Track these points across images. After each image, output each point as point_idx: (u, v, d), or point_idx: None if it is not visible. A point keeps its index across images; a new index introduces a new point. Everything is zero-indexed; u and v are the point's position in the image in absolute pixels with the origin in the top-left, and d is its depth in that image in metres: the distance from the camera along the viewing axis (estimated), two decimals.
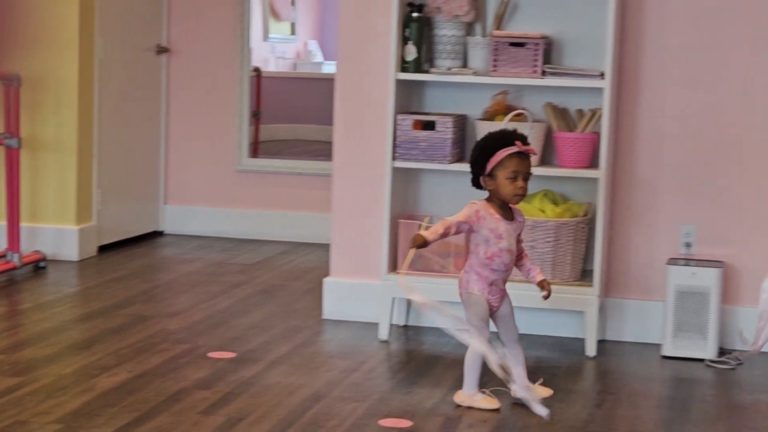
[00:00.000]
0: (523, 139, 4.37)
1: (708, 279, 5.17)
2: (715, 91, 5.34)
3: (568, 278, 5.24)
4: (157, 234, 7.91)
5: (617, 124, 5.40)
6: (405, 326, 5.60)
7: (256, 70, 8.36)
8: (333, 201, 5.69)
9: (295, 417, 4.20)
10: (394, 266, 5.36)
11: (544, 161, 5.37)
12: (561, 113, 5.33)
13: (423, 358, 5.08)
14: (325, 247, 7.00)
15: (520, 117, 5.20)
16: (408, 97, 5.49)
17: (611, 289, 5.47)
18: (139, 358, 4.89)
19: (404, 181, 5.51)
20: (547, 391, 4.51)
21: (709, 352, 5.17)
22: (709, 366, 5.10)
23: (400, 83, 5.31)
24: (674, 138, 5.39)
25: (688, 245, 5.37)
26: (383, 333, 5.33)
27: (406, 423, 4.19)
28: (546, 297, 4.43)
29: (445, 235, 4.38)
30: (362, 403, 4.40)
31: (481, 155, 4.38)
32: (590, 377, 4.90)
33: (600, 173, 5.14)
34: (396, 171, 5.33)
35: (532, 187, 5.36)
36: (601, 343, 5.38)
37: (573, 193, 5.43)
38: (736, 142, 5.35)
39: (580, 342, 5.31)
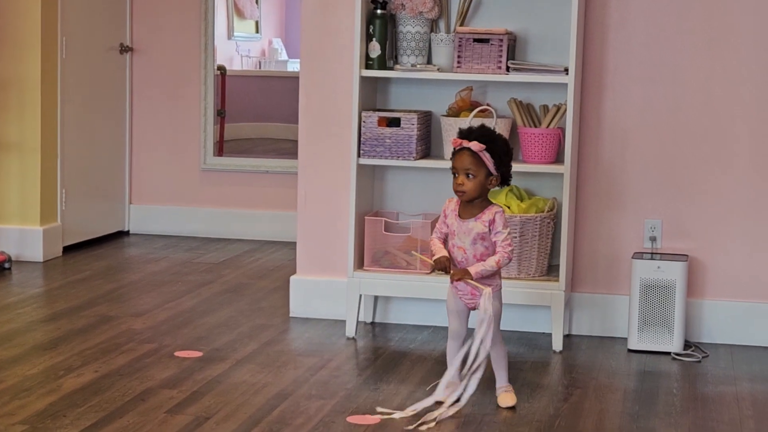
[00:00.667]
0: (470, 135, 4.31)
1: (673, 273, 5.19)
2: (678, 86, 5.36)
3: (534, 273, 5.25)
4: (122, 234, 7.88)
5: (582, 119, 5.41)
6: (372, 323, 5.60)
7: (221, 68, 8.33)
8: (299, 199, 5.68)
9: (262, 415, 4.20)
10: (360, 263, 5.35)
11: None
12: (526, 109, 5.34)
13: (390, 355, 5.08)
14: (292, 245, 7.00)
15: (484, 113, 5.20)
16: (373, 94, 5.49)
17: (577, 284, 5.48)
18: (104, 358, 4.86)
19: (370, 178, 5.51)
20: (512, 399, 4.41)
21: (674, 345, 5.19)
22: (674, 359, 5.13)
23: (364, 80, 5.31)
24: (638, 133, 5.41)
25: (653, 239, 5.39)
26: (350, 330, 5.33)
27: (373, 420, 4.18)
28: (452, 277, 4.31)
29: (444, 242, 4.41)
30: (329, 400, 4.40)
31: (451, 156, 4.40)
32: (557, 372, 4.91)
33: (565, 168, 5.15)
34: (361, 168, 5.33)
35: None
36: (568, 337, 5.40)
37: (538, 188, 5.45)
38: (699, 137, 5.37)
39: (547, 337, 5.33)
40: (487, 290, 4.27)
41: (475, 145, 4.28)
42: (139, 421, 4.08)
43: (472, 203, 4.34)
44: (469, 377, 4.27)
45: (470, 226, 4.34)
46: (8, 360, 4.80)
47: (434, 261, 4.34)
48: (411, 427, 4.10)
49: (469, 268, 4.29)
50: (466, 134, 4.33)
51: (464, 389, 4.28)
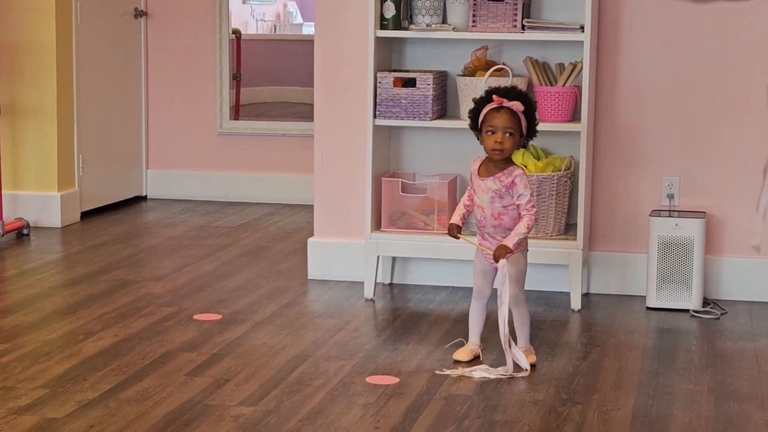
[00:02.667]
0: (509, 95, 4.32)
1: (691, 230, 5.18)
2: (694, 42, 5.33)
3: (552, 232, 5.24)
4: (139, 199, 7.89)
5: (598, 77, 5.39)
6: (390, 284, 5.60)
7: (236, 32, 8.32)
8: (315, 161, 5.68)
9: (281, 376, 4.21)
10: (377, 225, 5.35)
11: None
12: (541, 67, 5.32)
13: (408, 316, 5.09)
14: (309, 208, 7.00)
15: (500, 72, 5.19)
16: (388, 55, 5.47)
17: (595, 243, 5.48)
18: (124, 322, 4.88)
19: (386, 140, 5.50)
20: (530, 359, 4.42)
21: (693, 302, 5.18)
22: (693, 316, 5.12)
23: (379, 41, 5.29)
24: (655, 90, 5.39)
25: (670, 197, 5.38)
26: (368, 292, 5.33)
27: (392, 380, 4.19)
28: (494, 257, 4.31)
29: (467, 209, 4.43)
30: (349, 361, 4.41)
31: (472, 116, 4.39)
32: (576, 330, 4.91)
33: (581, 127, 5.13)
34: (377, 129, 5.32)
35: None
36: (586, 296, 5.40)
37: (555, 147, 5.43)
38: (716, 93, 5.34)
39: (565, 296, 5.32)
40: (503, 262, 4.29)
41: (517, 105, 4.30)
42: (159, 384, 4.10)
43: (496, 163, 4.34)
44: (511, 350, 4.30)
45: (488, 185, 4.34)
46: (28, 325, 4.82)
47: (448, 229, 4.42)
48: (444, 372, 4.24)
49: (505, 242, 4.29)
50: (504, 93, 4.33)
51: (511, 359, 4.30)
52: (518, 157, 5.25)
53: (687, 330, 4.93)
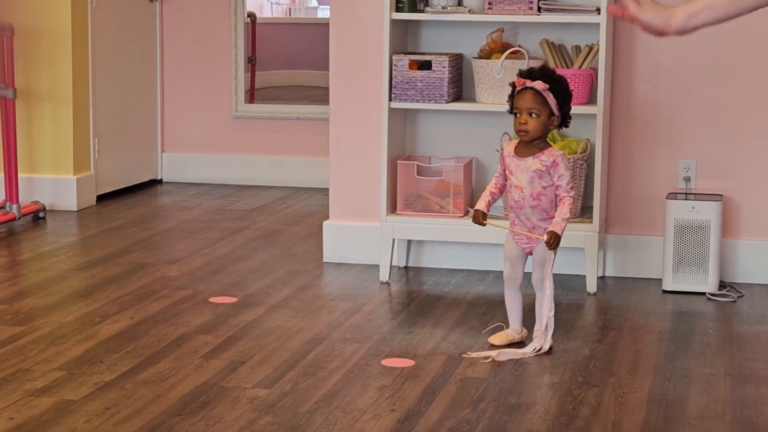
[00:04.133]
0: (532, 75, 4.28)
1: (708, 213, 5.16)
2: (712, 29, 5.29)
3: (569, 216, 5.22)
4: (155, 182, 7.90)
5: (614, 59, 5.37)
6: (405, 267, 5.60)
7: (251, 15, 8.31)
8: (330, 144, 5.67)
9: (297, 359, 4.21)
10: (393, 208, 5.35)
11: None
12: (558, 50, 5.30)
13: (423, 299, 5.08)
14: (324, 192, 7.00)
15: (516, 55, 5.17)
16: (403, 38, 5.46)
17: (611, 225, 5.46)
18: (140, 305, 4.89)
19: (401, 122, 5.49)
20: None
21: (710, 285, 5.17)
22: (710, 299, 5.11)
23: (395, 23, 5.28)
24: (671, 72, 5.37)
25: (687, 180, 5.36)
26: (384, 275, 5.33)
27: (408, 362, 4.19)
28: (546, 243, 4.27)
29: (493, 197, 4.40)
30: (364, 344, 4.41)
31: (509, 101, 4.38)
32: (591, 313, 4.90)
33: (598, 109, 5.11)
34: (393, 112, 5.31)
35: None
36: (602, 279, 5.39)
37: (571, 129, 5.38)
38: (734, 76, 5.32)
39: (581, 279, 5.31)
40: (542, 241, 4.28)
41: (539, 84, 4.27)
42: (174, 366, 4.11)
43: (532, 143, 4.31)
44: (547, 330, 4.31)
45: (528, 164, 4.30)
46: (45, 308, 4.83)
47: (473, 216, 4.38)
48: (471, 355, 4.25)
49: (554, 230, 4.23)
50: (527, 74, 4.31)
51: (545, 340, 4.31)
52: None
53: (703, 313, 4.92)
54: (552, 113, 4.29)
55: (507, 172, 4.37)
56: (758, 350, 4.41)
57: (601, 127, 5.11)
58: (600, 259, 5.33)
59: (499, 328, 4.49)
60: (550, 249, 4.27)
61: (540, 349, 4.28)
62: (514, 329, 4.43)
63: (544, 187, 4.30)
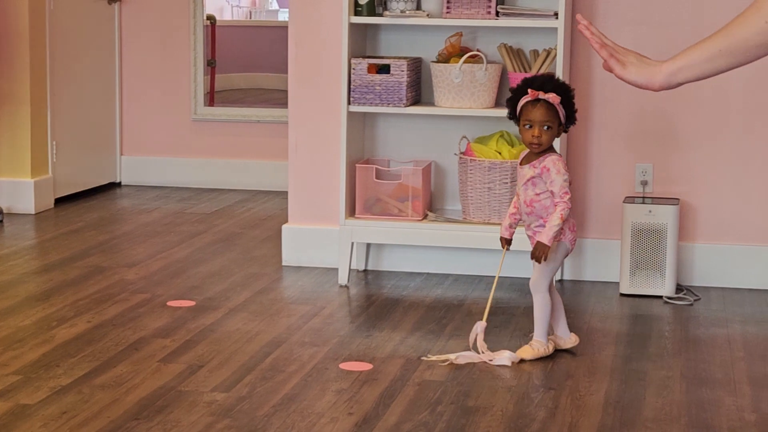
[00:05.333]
0: (545, 86, 4.23)
1: (664, 216, 5.20)
2: (669, 28, 5.34)
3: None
4: (113, 185, 7.87)
5: (572, 64, 5.40)
6: (364, 271, 5.60)
7: (210, 18, 8.29)
8: (289, 148, 5.67)
9: (255, 362, 4.21)
10: (352, 211, 5.35)
11: (500, 103, 5.37)
12: (516, 54, 5.32)
13: (382, 302, 5.09)
14: (284, 195, 7.00)
15: (474, 59, 5.19)
16: (362, 41, 5.47)
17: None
18: (97, 308, 4.87)
19: (360, 126, 5.50)
20: (531, 353, 4.34)
21: (666, 288, 5.20)
22: (666, 302, 5.14)
23: (353, 27, 5.28)
24: None
25: (644, 183, 5.40)
26: (343, 278, 5.33)
27: (366, 366, 4.20)
28: (532, 256, 4.27)
29: (513, 218, 4.37)
30: (322, 347, 4.41)
31: (510, 105, 4.32)
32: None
33: None
34: (351, 115, 5.31)
35: (488, 128, 5.38)
36: (560, 282, 5.41)
37: None
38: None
39: None
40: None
41: (554, 98, 4.22)
42: (132, 370, 4.09)
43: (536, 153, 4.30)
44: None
45: (524, 172, 4.30)
46: (1, 311, 4.80)
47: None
48: (430, 358, 4.27)
49: (539, 239, 4.21)
50: (539, 85, 4.23)
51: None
52: (492, 143, 5.26)
53: (660, 316, 4.95)
54: (560, 123, 4.27)
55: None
56: (714, 353, 4.44)
57: None
58: None
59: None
60: (532, 258, 4.25)
61: (495, 362, 4.26)
62: (544, 340, 4.35)
63: (537, 194, 4.26)
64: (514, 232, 4.41)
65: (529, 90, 4.24)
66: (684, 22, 5.32)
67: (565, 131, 4.36)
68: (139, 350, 4.32)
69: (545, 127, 4.23)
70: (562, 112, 4.25)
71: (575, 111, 4.31)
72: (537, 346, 4.32)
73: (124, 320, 4.70)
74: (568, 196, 4.23)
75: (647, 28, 5.35)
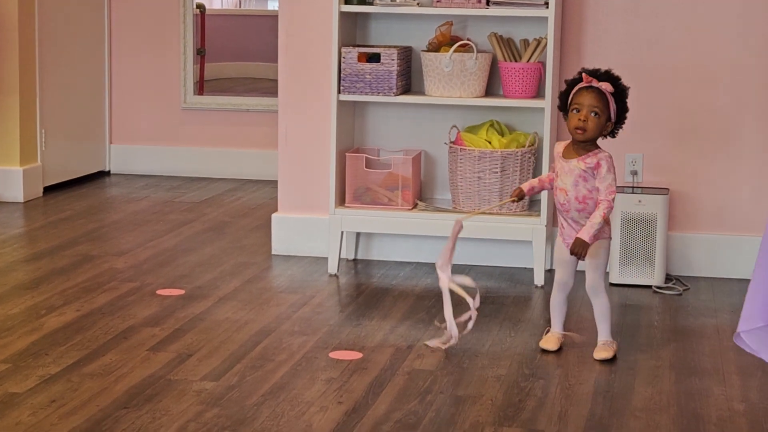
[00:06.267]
0: (602, 76, 4.17)
1: (654, 206, 5.20)
2: (659, 19, 5.34)
3: (516, 209, 5.24)
4: (103, 174, 7.85)
5: (562, 53, 5.39)
6: (354, 260, 5.60)
7: (200, 6, 8.27)
8: (279, 137, 5.66)
9: (244, 351, 4.20)
10: (342, 200, 5.35)
11: (490, 92, 5.37)
12: (506, 43, 5.31)
13: (372, 291, 5.09)
14: (273, 184, 6.99)
15: (465, 48, 5.19)
16: (352, 30, 5.46)
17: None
18: (86, 297, 4.86)
19: (350, 115, 5.49)
20: (606, 353, 4.26)
21: (656, 278, 5.21)
22: (656, 292, 5.15)
23: (344, 16, 5.27)
24: (619, 67, 5.36)
25: (634, 173, 5.40)
26: (332, 267, 5.33)
27: (355, 355, 4.20)
28: (570, 250, 4.19)
29: (541, 185, 4.33)
30: (312, 336, 4.40)
31: (562, 97, 4.24)
32: (539, 306, 4.92)
33: (546, 103, 5.13)
34: (342, 104, 5.31)
35: (478, 118, 5.38)
36: (550, 272, 5.40)
37: (519, 123, 5.43)
38: (680, 71, 5.36)
39: (529, 272, 5.34)
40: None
41: (607, 86, 4.17)
42: (121, 359, 4.09)
43: (581, 145, 4.20)
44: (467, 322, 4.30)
45: (572, 166, 4.19)
46: None
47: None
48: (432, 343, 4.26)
49: (580, 236, 4.14)
50: (593, 74, 4.19)
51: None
52: (482, 132, 5.26)
53: (649, 306, 4.96)
54: (609, 118, 4.19)
55: (556, 175, 4.26)
56: (703, 343, 4.44)
57: (549, 121, 5.14)
58: (547, 252, 5.35)
59: (551, 334, 4.38)
60: (572, 254, 4.20)
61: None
62: (559, 332, 4.36)
63: (590, 190, 4.18)
64: (532, 194, 4.39)
65: (582, 75, 4.18)
66: (675, 13, 5.31)
67: (612, 135, 4.24)
68: (128, 339, 4.32)
69: (593, 113, 4.14)
70: (613, 107, 4.17)
71: (626, 111, 4.23)
72: (610, 344, 4.28)
73: (113, 309, 4.69)
74: (613, 196, 4.17)
75: (638, 18, 5.34)
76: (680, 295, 5.11)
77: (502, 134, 5.30)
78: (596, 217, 4.15)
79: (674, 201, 5.38)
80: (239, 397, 3.75)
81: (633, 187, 5.33)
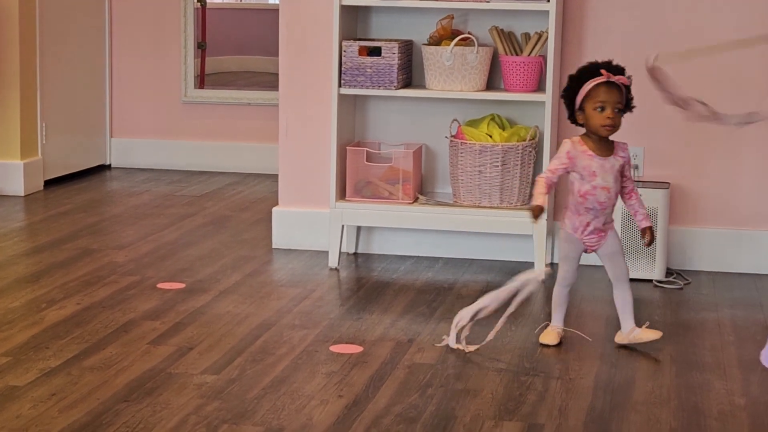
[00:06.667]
0: (613, 69, 4.19)
1: (655, 200, 5.19)
2: (660, 13, 5.33)
3: (516, 202, 5.24)
4: (103, 167, 7.84)
5: (563, 47, 5.38)
6: (354, 254, 5.60)
7: (201, 0, 8.26)
8: (280, 131, 5.66)
9: (245, 345, 4.20)
10: (342, 194, 5.34)
11: (491, 86, 5.36)
12: (507, 37, 5.31)
13: (372, 285, 5.09)
14: (274, 178, 6.98)
15: (466, 41, 5.18)
16: (353, 24, 5.45)
17: (559, 213, 5.48)
18: (87, 290, 4.86)
19: (351, 108, 5.49)
20: (655, 333, 4.27)
21: (656, 272, 5.20)
22: (656, 286, 5.14)
23: (345, 9, 5.27)
24: (620, 60, 5.37)
25: (635, 167, 5.39)
26: (333, 261, 5.33)
27: (356, 349, 4.19)
28: (647, 245, 4.23)
29: (549, 188, 4.23)
30: (312, 330, 4.40)
31: (569, 90, 4.22)
32: (539, 300, 4.92)
33: (546, 97, 5.13)
34: (342, 98, 5.30)
35: (479, 112, 5.38)
36: (550, 266, 5.40)
37: (520, 117, 5.43)
38: (681, 64, 5.34)
39: (530, 266, 5.32)
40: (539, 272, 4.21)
41: (626, 80, 4.17)
42: (121, 352, 4.09)
43: (602, 140, 4.20)
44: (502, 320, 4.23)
45: (612, 163, 4.19)
46: None
47: (530, 209, 4.17)
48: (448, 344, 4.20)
49: (649, 224, 4.21)
50: (608, 68, 4.17)
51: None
52: (483, 126, 5.25)
53: (650, 300, 4.95)
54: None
55: (587, 175, 4.18)
56: (704, 337, 4.44)
57: (549, 115, 5.13)
58: (548, 246, 5.35)
59: (550, 329, 4.36)
60: (649, 245, 4.23)
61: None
62: (559, 326, 4.35)
63: (620, 184, 4.24)
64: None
65: (602, 71, 4.16)
66: (676, 7, 5.31)
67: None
68: (128, 332, 4.32)
69: (617, 110, 4.15)
70: (625, 98, 4.18)
71: (632, 99, 4.25)
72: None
73: (114, 302, 4.69)
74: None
75: (639, 12, 5.34)
76: (681, 289, 5.11)
77: (503, 128, 5.29)
78: (642, 204, 4.25)
79: (675, 195, 5.37)
80: (240, 390, 3.75)
81: (634, 181, 5.31)
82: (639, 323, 4.37)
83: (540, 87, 5.25)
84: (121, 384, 3.78)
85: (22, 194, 6.83)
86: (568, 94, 4.22)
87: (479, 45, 5.18)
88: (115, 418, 3.50)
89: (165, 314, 4.55)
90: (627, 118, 5.32)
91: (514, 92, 5.22)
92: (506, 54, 5.25)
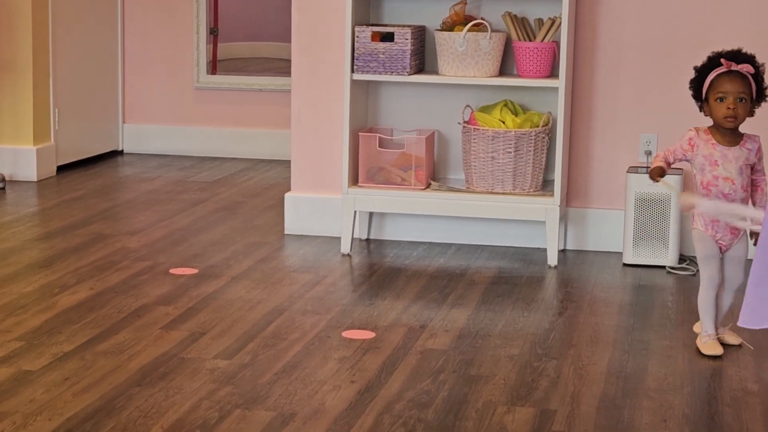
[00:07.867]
0: (738, 58, 4.05)
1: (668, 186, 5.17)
2: (676, 15, 5.31)
3: (529, 189, 5.24)
4: (116, 153, 7.85)
5: (577, 32, 5.37)
6: (367, 240, 5.60)
7: None
8: (292, 116, 5.65)
9: (257, 330, 4.21)
10: (355, 180, 5.34)
11: (504, 71, 5.35)
12: (520, 22, 5.29)
13: (385, 271, 5.08)
14: (286, 164, 6.98)
15: (479, 27, 5.17)
16: (366, 9, 5.44)
17: (572, 199, 5.48)
18: (99, 275, 4.86)
19: (363, 94, 5.48)
20: (736, 338, 4.19)
21: (669, 259, 5.19)
22: (669, 273, 5.13)
23: None
24: (634, 46, 5.37)
25: (648, 153, 5.38)
26: (345, 247, 5.33)
27: (368, 334, 4.20)
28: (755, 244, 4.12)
29: (666, 163, 4.12)
30: (325, 315, 4.40)
31: (695, 82, 4.12)
32: (552, 286, 4.92)
33: (560, 83, 5.12)
34: (355, 84, 5.29)
35: (492, 97, 5.37)
36: (563, 252, 5.40)
37: (533, 103, 5.42)
38: (695, 49, 5.32)
39: (542, 252, 5.33)
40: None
41: (747, 68, 4.03)
42: (134, 337, 4.09)
43: (729, 130, 4.08)
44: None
45: (737, 154, 4.05)
46: (4, 278, 4.80)
47: (650, 170, 4.08)
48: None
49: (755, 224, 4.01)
50: (731, 57, 4.05)
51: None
52: (496, 112, 5.24)
53: (663, 286, 4.95)
54: (752, 100, 4.06)
55: (708, 164, 4.08)
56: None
57: (562, 101, 5.12)
58: (561, 232, 5.34)
59: (709, 338, 4.14)
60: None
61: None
62: (714, 333, 4.14)
63: (748, 177, 4.09)
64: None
65: (722, 60, 4.04)
66: (690, 7, 5.29)
67: (751, 114, 4.09)
68: (141, 317, 4.32)
69: (740, 99, 4.02)
70: (753, 87, 4.05)
71: (765, 87, 4.10)
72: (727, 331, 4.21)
73: (127, 287, 4.70)
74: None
75: (651, 14, 5.32)
76: (694, 275, 5.10)
77: (516, 114, 5.28)
78: (764, 205, 4.04)
79: (688, 181, 5.35)
80: (252, 375, 3.75)
81: (647, 168, 5.31)
82: (651, 309, 4.35)
83: (553, 73, 5.24)
84: (134, 369, 3.79)
85: (35, 180, 6.84)
86: (695, 86, 4.12)
87: (492, 30, 5.17)
88: (127, 403, 3.51)
89: (177, 299, 4.55)
90: (641, 104, 5.31)
91: (527, 78, 5.21)
92: (519, 39, 5.24)
